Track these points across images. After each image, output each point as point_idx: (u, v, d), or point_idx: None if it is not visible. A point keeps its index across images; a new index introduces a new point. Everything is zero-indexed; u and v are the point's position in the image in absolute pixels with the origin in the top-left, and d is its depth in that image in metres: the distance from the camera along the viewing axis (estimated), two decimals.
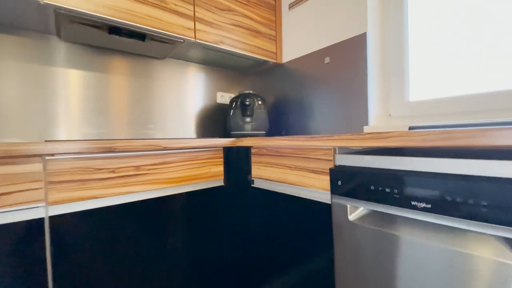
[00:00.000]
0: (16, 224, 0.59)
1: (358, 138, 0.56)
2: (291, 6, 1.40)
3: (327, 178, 0.66)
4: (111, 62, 1.19)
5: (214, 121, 1.53)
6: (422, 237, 0.47)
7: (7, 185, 0.57)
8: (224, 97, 1.58)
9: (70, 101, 1.08)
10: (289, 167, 0.79)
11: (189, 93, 1.43)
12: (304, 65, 1.32)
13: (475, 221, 0.41)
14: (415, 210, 0.48)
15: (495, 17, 0.81)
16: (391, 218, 0.52)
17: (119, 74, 1.20)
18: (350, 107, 1.12)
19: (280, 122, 1.45)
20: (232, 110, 1.30)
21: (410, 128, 0.78)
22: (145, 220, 0.78)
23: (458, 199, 0.42)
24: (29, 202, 0.60)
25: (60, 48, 1.06)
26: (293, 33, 1.39)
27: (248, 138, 0.92)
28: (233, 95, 1.60)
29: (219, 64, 1.48)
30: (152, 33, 1.01)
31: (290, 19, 1.41)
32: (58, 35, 1.03)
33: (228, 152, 0.99)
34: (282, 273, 0.83)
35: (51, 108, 1.04)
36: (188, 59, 1.39)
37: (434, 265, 0.45)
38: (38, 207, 0.62)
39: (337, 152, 0.66)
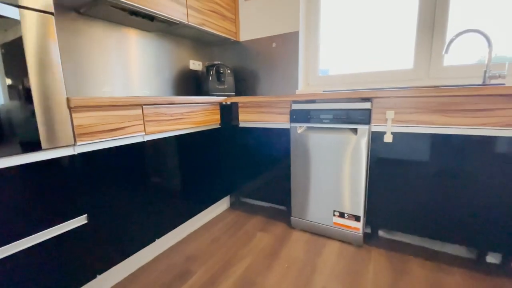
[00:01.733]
0: (130, 144, 1.10)
1: (306, 96, 1.35)
2: None
3: (287, 116, 1.43)
4: (127, 34, 1.51)
5: (187, 83, 2.02)
6: (325, 133, 1.32)
7: (124, 122, 1.06)
8: (195, 65, 2.07)
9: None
10: (265, 113, 1.51)
11: (170, 59, 1.84)
12: (257, 45, 1.98)
13: (343, 124, 1.28)
14: (323, 124, 1.32)
15: (373, 27, 1.70)
16: (314, 129, 1.36)
17: (133, 43, 1.53)
18: (286, 78, 1.90)
19: (240, 86, 2.12)
20: (210, 77, 1.86)
21: (324, 91, 1.64)
22: (185, 146, 1.36)
23: (337, 117, 1.28)
24: (136, 132, 1.11)
25: (80, 21, 1.31)
26: (248, 19, 1.97)
27: (236, 96, 1.58)
28: (200, 63, 2.10)
29: (193, 38, 1.93)
30: (159, 15, 1.41)
31: (246, 8, 1.98)
32: (77, 11, 1.29)
33: (223, 106, 1.62)
34: (262, 175, 1.62)
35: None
36: (171, 33, 1.79)
37: (327, 143, 1.32)
38: (140, 135, 1.13)
39: (292, 104, 1.43)
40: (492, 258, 1.14)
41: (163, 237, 1.28)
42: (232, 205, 1.83)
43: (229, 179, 1.70)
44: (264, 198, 1.62)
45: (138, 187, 1.11)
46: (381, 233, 1.38)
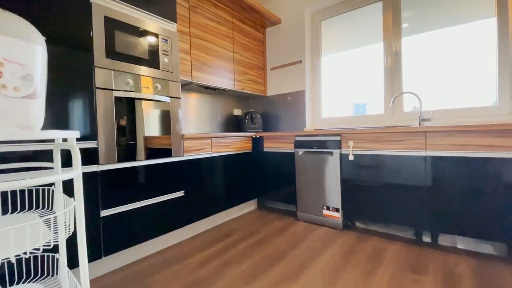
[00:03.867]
0: (205, 158, 2.13)
1: (304, 133, 2.29)
2: (272, 69, 3.10)
3: (293, 144, 2.38)
4: (198, 96, 2.70)
5: (232, 124, 3.12)
6: (315, 155, 2.21)
7: (202, 146, 2.10)
8: (237, 111, 3.19)
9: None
10: (280, 142, 2.47)
11: (221, 109, 2.97)
12: (279, 98, 3.02)
13: (324, 149, 2.16)
14: (313, 149, 2.22)
15: (356, 81, 2.65)
16: (308, 152, 2.27)
17: (200, 101, 2.71)
18: (297, 121, 2.87)
19: (267, 125, 3.15)
20: (246, 119, 2.93)
21: (315, 129, 2.57)
22: (231, 161, 2.35)
23: (321, 145, 2.17)
24: (208, 151, 2.15)
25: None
26: (273, 81, 3.03)
27: (261, 132, 2.59)
28: (241, 110, 3.22)
29: (236, 95, 3.07)
30: (219, 88, 2.54)
31: (271, 74, 3.10)
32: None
33: (253, 138, 2.64)
34: (278, 185, 2.52)
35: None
36: (223, 93, 2.94)
37: (316, 161, 2.19)
38: (209, 153, 2.17)
39: (296, 137, 2.38)
40: (427, 238, 1.82)
41: (217, 214, 2.21)
42: (259, 207, 2.72)
43: (256, 187, 2.62)
44: (280, 200, 2.48)
45: (211, 181, 2.11)
46: (358, 223, 2.13)
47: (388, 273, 1.40)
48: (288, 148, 2.33)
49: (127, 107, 1.55)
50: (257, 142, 2.56)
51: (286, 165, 2.35)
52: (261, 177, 2.56)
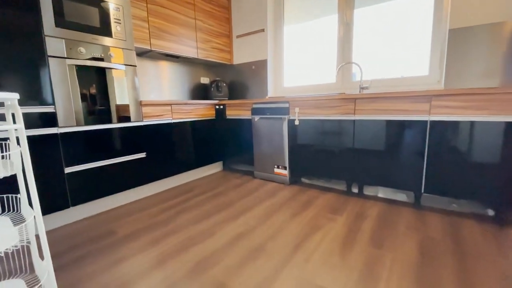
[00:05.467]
0: (165, 123, 2.35)
1: (259, 100, 2.50)
2: (237, 37, 3.19)
3: (250, 111, 2.61)
4: (163, 64, 2.81)
5: (200, 92, 3.28)
6: (268, 120, 2.45)
7: (163, 112, 2.31)
8: (204, 80, 3.33)
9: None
10: (240, 110, 2.68)
11: (188, 77, 3.11)
12: (244, 67, 3.15)
13: (275, 115, 2.39)
14: (267, 115, 2.47)
15: (316, 52, 2.82)
16: (263, 118, 2.50)
17: (166, 69, 2.84)
18: (261, 89, 3.06)
19: (234, 93, 3.33)
20: (212, 88, 3.09)
21: (268, 97, 2.79)
22: (195, 127, 2.58)
23: (273, 112, 2.42)
24: (168, 117, 2.37)
25: (142, 61, 2.64)
26: (238, 50, 3.15)
27: (227, 100, 2.79)
28: (208, 79, 3.35)
29: (203, 63, 3.18)
30: (181, 55, 2.67)
31: (237, 43, 3.20)
32: (140, 56, 2.60)
33: (216, 106, 2.85)
34: (239, 148, 2.80)
35: None
36: (189, 62, 3.05)
37: (269, 126, 2.44)
38: (170, 119, 2.38)
39: (253, 104, 2.60)
40: (356, 189, 2.15)
41: (182, 174, 2.50)
42: (224, 168, 3.02)
43: (221, 151, 2.87)
44: (242, 162, 2.77)
45: (173, 144, 2.34)
46: (303, 179, 2.46)
47: (311, 214, 1.74)
48: (247, 115, 2.57)
49: (83, 75, 1.68)
50: (220, 110, 2.77)
51: (246, 130, 2.61)
52: (225, 142, 2.82)
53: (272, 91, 2.96)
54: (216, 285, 1.06)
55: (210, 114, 2.67)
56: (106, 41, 1.80)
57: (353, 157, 1.96)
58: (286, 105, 2.23)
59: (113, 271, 1.18)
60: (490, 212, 1.65)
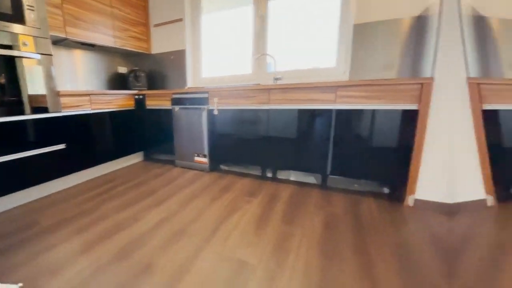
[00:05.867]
0: (83, 114, 2.24)
1: (179, 91, 2.59)
2: (155, 25, 3.16)
3: (170, 101, 2.66)
4: (77, 53, 2.60)
5: (117, 81, 3.15)
6: (188, 110, 2.56)
7: (80, 102, 2.20)
8: (122, 69, 3.21)
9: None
10: (160, 100, 2.71)
11: (104, 66, 2.95)
12: (163, 57, 3.14)
13: (195, 105, 2.52)
14: (186, 105, 2.59)
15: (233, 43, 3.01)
16: (182, 108, 2.61)
17: (81, 58, 2.63)
18: (180, 79, 3.12)
19: (153, 83, 3.30)
20: (131, 78, 3.02)
21: (187, 87, 2.91)
22: (114, 117, 2.50)
23: (192, 102, 2.56)
24: (86, 108, 2.25)
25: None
26: (156, 39, 3.12)
27: (146, 90, 2.78)
28: (125, 68, 3.24)
29: (121, 52, 3.05)
30: (97, 44, 2.54)
31: (154, 32, 3.16)
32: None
33: (136, 96, 2.81)
34: (159, 138, 2.82)
35: None
36: (105, 51, 2.90)
37: (189, 116, 2.55)
38: (89, 109, 2.27)
39: (172, 95, 2.67)
40: (270, 174, 2.44)
41: (103, 165, 2.41)
42: (145, 158, 3.01)
43: (141, 141, 2.86)
44: (163, 152, 2.82)
45: (93, 135, 2.21)
46: (222, 166, 2.68)
47: (230, 197, 1.87)
48: (167, 105, 2.63)
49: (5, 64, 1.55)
50: (140, 100, 2.75)
51: (166, 120, 2.67)
52: (145, 132, 2.83)
53: (191, 81, 3.09)
54: (142, 265, 1.13)
55: (129, 104, 2.65)
56: (21, 29, 1.67)
57: (268, 144, 2.13)
58: (206, 95, 2.40)
59: (39, 260, 1.18)
60: (386, 190, 1.84)
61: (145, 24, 3.06)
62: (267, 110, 2.10)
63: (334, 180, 2.01)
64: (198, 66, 3.09)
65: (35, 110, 1.79)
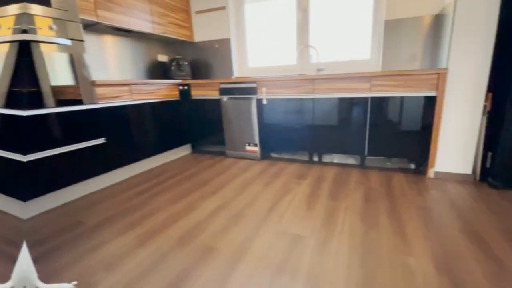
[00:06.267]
0: (124, 105, 2.34)
1: (227, 80, 2.65)
2: (197, 12, 3.17)
3: (218, 91, 2.74)
4: (113, 39, 2.67)
5: (158, 70, 3.17)
6: (237, 100, 2.63)
7: (120, 93, 2.30)
8: (162, 57, 3.26)
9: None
10: (206, 90, 2.78)
11: (143, 55, 2.97)
12: (207, 45, 3.16)
13: (244, 95, 2.58)
14: (235, 95, 2.64)
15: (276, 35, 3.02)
16: (232, 98, 2.68)
17: (116, 45, 2.69)
18: (226, 69, 3.16)
19: (196, 72, 3.36)
20: (172, 66, 3.08)
21: (236, 77, 2.97)
22: (155, 111, 2.61)
23: (241, 91, 2.61)
24: (127, 98, 2.35)
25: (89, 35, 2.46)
26: (199, 27, 3.12)
27: (189, 79, 2.85)
28: (167, 56, 3.30)
29: (160, 40, 3.07)
30: (133, 30, 2.57)
31: (197, 19, 3.16)
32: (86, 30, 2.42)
33: (180, 86, 2.89)
34: (208, 130, 2.91)
35: None
36: (144, 37, 2.89)
37: (238, 106, 2.62)
38: (129, 100, 2.37)
39: (220, 84, 2.74)
40: (316, 158, 2.54)
41: (149, 159, 2.49)
42: (193, 151, 3.10)
43: (188, 133, 2.93)
44: (212, 143, 2.89)
45: (136, 128, 2.29)
46: (273, 154, 2.77)
47: (281, 182, 2.06)
48: (214, 95, 2.70)
49: (22, 51, 1.45)
50: (184, 91, 2.81)
51: (214, 111, 2.75)
52: (192, 123, 2.90)
53: (237, 71, 3.11)
54: (204, 248, 1.21)
55: (173, 94, 2.70)
56: (46, 11, 1.55)
57: (313, 131, 2.33)
58: (254, 85, 2.46)
59: (91, 258, 1.17)
60: (412, 166, 2.21)
61: (186, 11, 3.05)
62: (312, 99, 2.23)
63: (371, 160, 2.30)
64: (243, 56, 3.10)
65: (66, 103, 1.66)
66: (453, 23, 1.74)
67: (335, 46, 2.67)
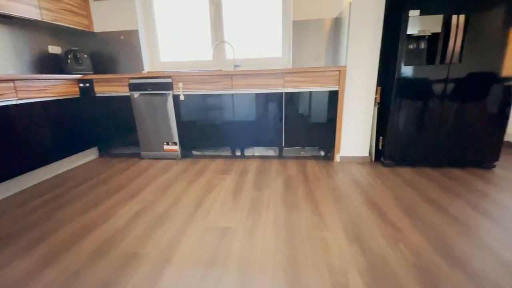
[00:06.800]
0: (6, 106, 1.88)
1: (137, 75, 2.40)
2: None
3: (127, 87, 2.47)
4: None
5: (49, 64, 2.67)
6: (150, 97, 2.44)
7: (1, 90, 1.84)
8: (54, 49, 2.75)
9: None
10: (114, 85, 2.49)
11: (29, 46, 2.43)
12: (110, 37, 2.84)
13: (158, 91, 2.42)
14: (148, 91, 2.44)
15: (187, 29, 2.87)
16: (144, 94, 2.46)
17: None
18: (135, 63, 2.89)
19: (98, 67, 2.95)
20: (69, 59, 2.62)
21: (147, 71, 2.74)
22: (48, 112, 2.19)
23: (155, 87, 2.41)
24: (11, 97, 1.90)
25: None
26: (100, 15, 2.78)
27: (91, 74, 2.47)
28: (59, 48, 2.78)
29: (51, 29, 2.59)
30: (15, 16, 2.08)
31: (96, 7, 2.79)
32: None
33: (80, 81, 2.48)
34: (120, 133, 2.61)
35: None
36: (29, 25, 2.35)
37: (153, 103, 2.44)
38: (14, 99, 1.92)
39: (130, 79, 2.47)
40: (238, 153, 2.58)
41: (48, 166, 2.10)
42: (101, 154, 2.73)
43: (94, 134, 2.57)
44: (124, 145, 2.62)
45: (20, 132, 1.87)
46: (194, 152, 2.66)
47: (205, 178, 2.02)
48: (123, 91, 2.42)
49: None
50: (86, 87, 2.44)
51: (124, 109, 2.46)
52: (97, 124, 2.54)
53: (148, 66, 2.88)
54: (127, 256, 1.12)
55: (72, 91, 2.33)
56: None
57: (234, 126, 2.37)
58: (169, 80, 2.31)
59: None
60: (322, 153, 2.52)
61: None
62: (232, 95, 2.27)
63: (287, 150, 2.55)
64: (155, 50, 2.89)
65: None
66: (349, 26, 2.01)
67: (250, 43, 2.77)
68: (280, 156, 2.52)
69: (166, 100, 2.33)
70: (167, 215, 1.47)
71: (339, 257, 1.09)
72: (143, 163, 2.44)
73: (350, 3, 1.99)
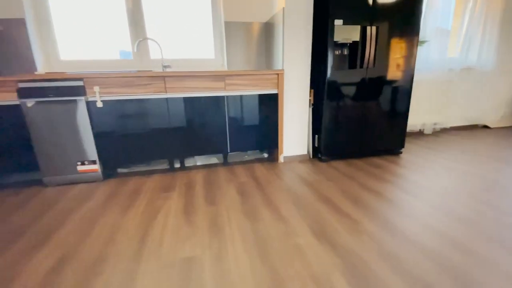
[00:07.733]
0: None
1: (31, 77, 1.81)
2: None
3: (16, 93, 1.84)
4: None
5: None
6: (53, 105, 1.89)
7: None
8: None
9: None
10: None
11: None
12: None
13: (65, 97, 1.88)
14: (49, 98, 1.87)
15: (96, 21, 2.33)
16: (43, 102, 1.89)
17: None
18: (21, 60, 2.19)
19: None
20: None
21: (47, 72, 2.13)
22: None
23: (61, 91, 1.87)
24: None
25: None
26: None
27: None
28: None
29: None
30: None
31: None
32: None
33: None
34: (6, 155, 1.90)
35: None
36: None
37: (57, 112, 1.90)
38: None
39: (19, 83, 1.84)
40: (178, 164, 2.30)
41: None
42: None
43: None
44: (12, 171, 1.94)
45: None
46: (120, 170, 2.21)
47: (144, 201, 1.70)
48: (9, 99, 1.80)
49: None
50: None
51: (11, 122, 1.83)
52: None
53: (43, 65, 2.26)
54: None
55: None
56: None
57: (171, 135, 2.10)
58: (80, 83, 1.86)
59: None
60: (266, 155, 2.55)
61: None
62: (166, 99, 2.01)
63: (232, 156, 2.51)
64: (51, 45, 2.28)
65: None
66: (283, 31, 2.08)
67: (178, 42, 2.54)
68: (225, 163, 2.39)
69: (75, 108, 1.86)
70: (103, 259, 1.13)
71: (318, 263, 1.07)
72: (48, 192, 1.88)
73: (283, 9, 2.04)
